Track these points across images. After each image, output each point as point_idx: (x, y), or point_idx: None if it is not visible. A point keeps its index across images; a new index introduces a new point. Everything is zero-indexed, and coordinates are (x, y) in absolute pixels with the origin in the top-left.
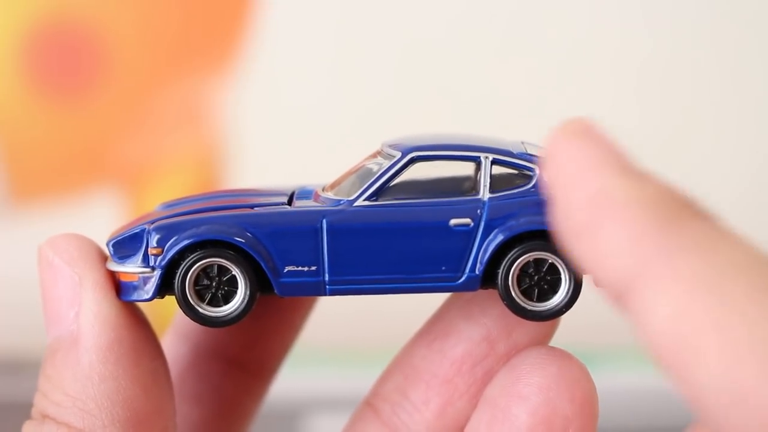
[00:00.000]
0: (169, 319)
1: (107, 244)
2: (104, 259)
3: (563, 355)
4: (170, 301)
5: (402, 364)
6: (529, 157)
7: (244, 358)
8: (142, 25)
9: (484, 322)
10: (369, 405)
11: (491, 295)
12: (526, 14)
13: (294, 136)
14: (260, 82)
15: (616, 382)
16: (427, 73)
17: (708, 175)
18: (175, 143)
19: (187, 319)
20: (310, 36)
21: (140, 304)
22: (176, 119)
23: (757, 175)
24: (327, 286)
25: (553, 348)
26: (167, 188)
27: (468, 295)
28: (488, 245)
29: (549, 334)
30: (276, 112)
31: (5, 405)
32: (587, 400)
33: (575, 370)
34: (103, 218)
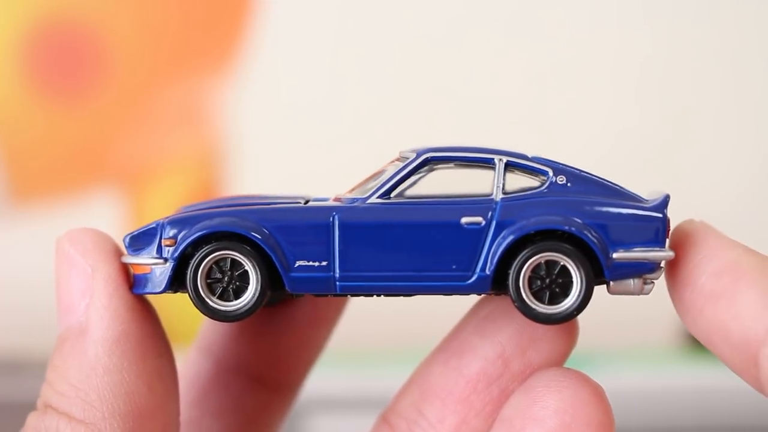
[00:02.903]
0: (184, 329)
1: (124, 239)
2: (119, 253)
3: (579, 377)
4: (191, 313)
5: (419, 380)
6: (543, 161)
7: (265, 375)
8: (142, 25)
9: (499, 340)
10: (385, 421)
11: (505, 313)
12: (526, 14)
13: (294, 136)
14: (260, 82)
15: (616, 382)
16: (426, 73)
17: (708, 175)
18: (175, 143)
19: (210, 334)
20: (310, 36)
21: (160, 312)
22: (176, 119)
23: (757, 175)
24: (337, 283)
25: (568, 370)
26: (167, 188)
27: (483, 312)
28: (499, 244)
29: (565, 354)
30: (276, 112)
31: (5, 405)
32: (603, 422)
33: (591, 393)
34: (103, 218)
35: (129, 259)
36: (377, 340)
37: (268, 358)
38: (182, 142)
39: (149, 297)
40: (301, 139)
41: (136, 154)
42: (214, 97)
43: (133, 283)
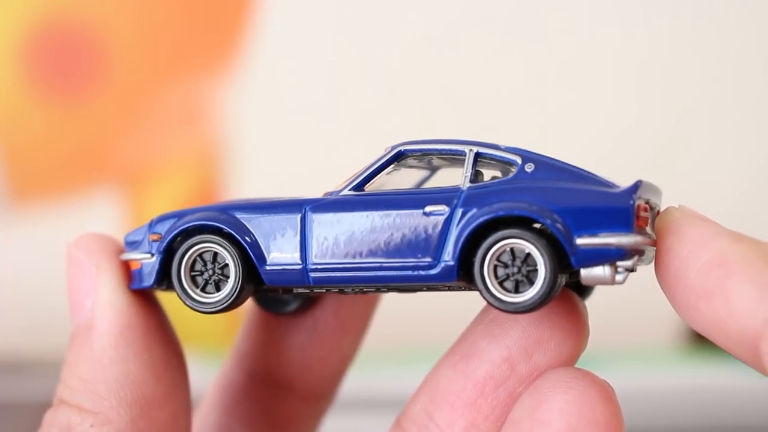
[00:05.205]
0: (188, 331)
1: (124, 239)
2: (122, 252)
3: (586, 377)
4: (199, 316)
5: (429, 385)
6: (515, 150)
7: (295, 384)
8: (142, 25)
9: (505, 343)
10: (398, 425)
11: (512, 317)
12: (526, 15)
13: (293, 136)
14: (260, 82)
15: (617, 382)
16: (426, 72)
17: (707, 175)
18: (175, 143)
19: (242, 343)
20: (310, 36)
21: (171, 311)
22: (176, 119)
23: (757, 175)
24: (309, 274)
25: (576, 370)
26: (167, 188)
27: (490, 315)
28: (462, 231)
29: (574, 356)
30: (276, 112)
31: (5, 405)
32: (611, 423)
33: (598, 393)
34: (104, 219)
35: (124, 256)
36: (379, 340)
37: (298, 368)
38: (182, 142)
39: (158, 294)
40: (301, 139)
41: (136, 154)
42: (214, 97)
43: (130, 279)
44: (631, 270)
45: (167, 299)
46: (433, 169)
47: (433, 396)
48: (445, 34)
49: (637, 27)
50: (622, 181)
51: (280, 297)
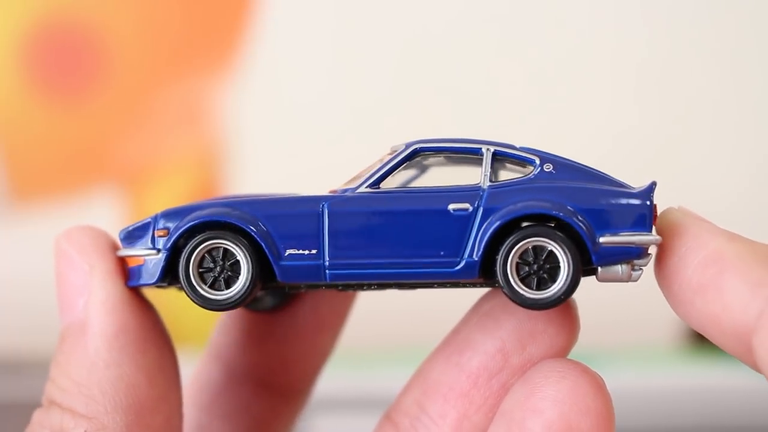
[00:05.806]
0: (188, 330)
1: (119, 234)
2: (116, 249)
3: (578, 368)
4: (196, 314)
5: (421, 377)
6: (531, 150)
7: (273, 381)
8: (142, 25)
9: (499, 335)
10: (389, 418)
11: (506, 309)
12: (525, 14)
13: (294, 136)
14: (260, 81)
15: (616, 382)
16: (426, 72)
17: (707, 175)
18: (175, 143)
19: (220, 341)
20: (310, 36)
21: (164, 314)
22: (176, 119)
23: (756, 175)
24: (327, 271)
25: (568, 360)
26: (167, 188)
27: (484, 308)
28: (486, 230)
29: (566, 348)
30: (276, 111)
31: (5, 405)
32: (602, 412)
33: (590, 383)
34: (104, 218)
35: (123, 252)
36: (377, 340)
37: (275, 365)
38: (182, 142)
39: (150, 293)
40: (301, 139)
41: (136, 154)
42: (214, 97)
43: (128, 276)
44: None
45: (159, 298)
46: (423, 169)
47: (426, 388)
48: (445, 33)
49: (637, 27)
50: (624, 181)
51: (257, 294)
